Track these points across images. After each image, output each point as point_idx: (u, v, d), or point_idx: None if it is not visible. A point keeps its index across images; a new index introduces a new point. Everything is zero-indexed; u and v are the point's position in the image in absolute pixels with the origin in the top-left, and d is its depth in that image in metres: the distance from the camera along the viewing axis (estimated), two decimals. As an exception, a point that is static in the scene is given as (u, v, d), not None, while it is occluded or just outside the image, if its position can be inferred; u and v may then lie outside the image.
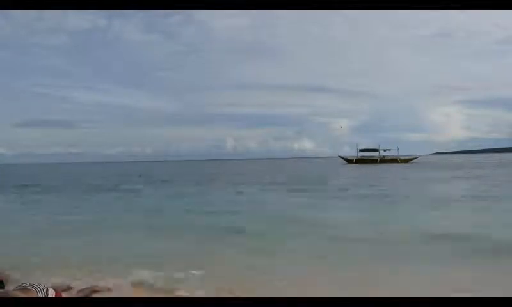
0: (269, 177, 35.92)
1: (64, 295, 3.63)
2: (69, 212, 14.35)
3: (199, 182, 31.63)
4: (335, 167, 58.06)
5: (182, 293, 5.14)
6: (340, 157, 73.84)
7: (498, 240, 7.91)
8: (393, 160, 64.67)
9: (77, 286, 5.28)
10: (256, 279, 5.91)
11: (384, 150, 67.92)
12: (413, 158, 68.36)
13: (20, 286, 3.15)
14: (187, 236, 9.38)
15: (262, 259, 6.99)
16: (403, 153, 69.36)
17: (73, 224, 11.55)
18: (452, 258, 6.84)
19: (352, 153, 71.25)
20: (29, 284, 3.13)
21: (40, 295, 3.04)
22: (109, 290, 5.07)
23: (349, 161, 69.25)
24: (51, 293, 3.20)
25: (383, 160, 65.76)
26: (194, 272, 6.20)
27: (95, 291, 4.69)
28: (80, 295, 4.41)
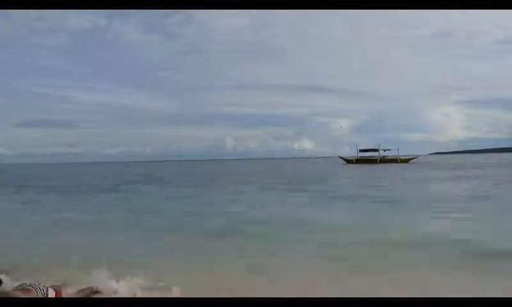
0: (269, 177, 35.92)
1: (64, 295, 3.64)
2: (69, 212, 14.33)
3: (199, 182, 31.63)
4: (335, 167, 58.04)
5: (182, 293, 5.13)
6: (340, 157, 73.89)
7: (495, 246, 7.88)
8: (394, 160, 64.63)
9: (77, 286, 5.29)
10: (256, 279, 5.92)
11: (384, 150, 67.93)
12: (413, 158, 68.37)
13: (20, 286, 3.15)
14: (187, 236, 9.38)
15: (262, 260, 6.98)
16: (403, 153, 69.52)
17: (73, 224, 11.56)
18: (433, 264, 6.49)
19: (353, 153, 71.41)
20: (29, 284, 3.13)
21: (40, 295, 3.04)
22: (109, 290, 5.07)
23: (348, 161, 69.26)
24: (51, 293, 3.20)
25: (383, 160, 65.75)
26: (193, 272, 6.21)
27: (95, 291, 4.69)
28: (80, 295, 4.40)
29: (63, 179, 41.98)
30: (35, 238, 9.53)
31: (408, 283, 5.55)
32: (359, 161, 67.26)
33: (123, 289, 5.21)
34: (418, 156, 72.40)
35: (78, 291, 4.72)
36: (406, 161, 65.72)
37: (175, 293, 5.15)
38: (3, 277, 4.20)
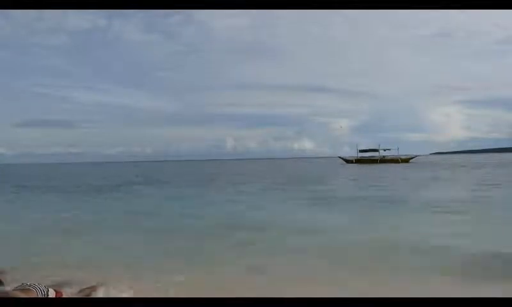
0: (269, 177, 35.92)
1: (64, 295, 3.63)
2: (69, 212, 14.33)
3: (199, 182, 31.63)
4: (335, 167, 58.03)
5: (182, 293, 5.14)
6: (339, 157, 73.91)
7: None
8: (394, 160, 64.64)
9: (77, 286, 5.29)
10: (256, 279, 5.92)
11: (384, 150, 67.97)
12: (413, 158, 68.38)
13: (20, 286, 3.15)
14: (187, 236, 9.39)
15: (262, 260, 6.98)
16: (403, 153, 69.44)
17: (73, 224, 11.56)
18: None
19: (353, 153, 71.45)
20: (29, 284, 3.13)
21: (40, 295, 3.04)
22: (108, 289, 5.08)
23: (348, 161, 69.26)
24: (51, 293, 3.20)
25: (383, 160, 65.77)
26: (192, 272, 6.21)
27: (95, 291, 4.69)
28: (81, 295, 4.41)
29: (63, 179, 41.99)
30: (35, 238, 9.53)
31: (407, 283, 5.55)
32: (359, 161, 67.28)
33: (123, 289, 5.22)
34: (418, 156, 72.42)
35: (78, 291, 4.72)
36: (407, 161, 65.75)
37: (175, 293, 5.15)
38: (3, 277, 4.20)
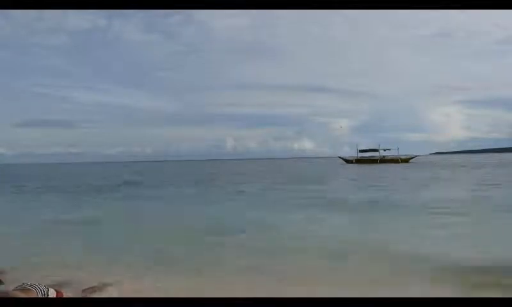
0: (269, 177, 35.93)
1: (64, 295, 3.63)
2: (69, 212, 14.33)
3: (199, 182, 31.63)
4: (335, 167, 58.02)
5: (182, 293, 5.14)
6: (339, 157, 73.89)
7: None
8: (394, 160, 64.61)
9: (77, 286, 5.29)
10: (257, 279, 5.92)
11: (384, 150, 67.93)
12: (413, 158, 68.38)
13: (20, 286, 3.15)
14: (187, 236, 9.39)
15: (262, 260, 6.99)
16: (403, 153, 69.44)
17: (73, 224, 11.57)
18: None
19: (353, 153, 71.43)
20: (29, 284, 3.13)
21: (40, 295, 3.04)
22: (109, 289, 5.08)
23: (348, 161, 69.25)
24: (52, 293, 3.20)
25: (383, 160, 65.74)
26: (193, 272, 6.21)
27: (96, 291, 4.70)
28: (82, 295, 4.41)
29: (63, 179, 41.99)
30: (35, 238, 9.53)
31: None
32: (359, 161, 67.25)
33: (123, 289, 5.22)
34: (418, 156, 72.41)
35: (81, 292, 4.73)
36: (406, 161, 65.74)
37: (175, 293, 5.15)
38: (3, 277, 4.21)
